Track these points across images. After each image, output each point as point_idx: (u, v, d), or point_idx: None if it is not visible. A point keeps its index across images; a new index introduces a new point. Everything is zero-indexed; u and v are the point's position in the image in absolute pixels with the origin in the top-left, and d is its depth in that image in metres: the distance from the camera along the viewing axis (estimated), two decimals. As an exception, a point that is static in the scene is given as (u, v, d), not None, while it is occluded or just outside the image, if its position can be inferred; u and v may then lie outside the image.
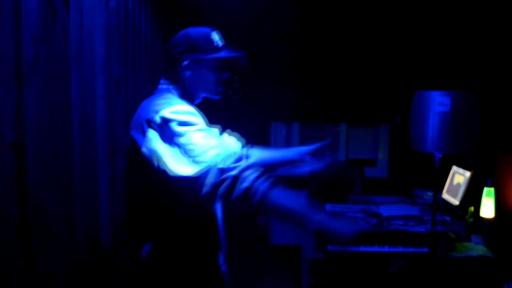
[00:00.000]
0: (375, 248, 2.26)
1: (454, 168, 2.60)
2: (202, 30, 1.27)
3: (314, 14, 3.42)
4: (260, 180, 1.08)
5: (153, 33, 2.15)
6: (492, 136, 2.59)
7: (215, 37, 1.27)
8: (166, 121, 1.10)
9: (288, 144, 3.84)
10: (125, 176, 1.45)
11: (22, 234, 0.94)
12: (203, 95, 1.32)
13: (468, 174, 2.39)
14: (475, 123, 1.87)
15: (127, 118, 1.55)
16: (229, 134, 1.52)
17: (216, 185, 1.05)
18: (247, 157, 1.47)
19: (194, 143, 1.08)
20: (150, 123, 1.12)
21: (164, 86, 1.27)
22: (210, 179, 1.05)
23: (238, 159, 1.09)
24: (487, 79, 2.75)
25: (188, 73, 1.25)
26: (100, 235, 1.40)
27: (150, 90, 1.78)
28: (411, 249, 2.25)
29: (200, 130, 1.11)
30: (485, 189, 2.34)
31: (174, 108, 1.13)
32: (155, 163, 1.11)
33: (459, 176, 2.49)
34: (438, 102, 1.86)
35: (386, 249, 2.25)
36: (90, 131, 1.30)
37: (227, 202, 1.08)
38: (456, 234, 2.32)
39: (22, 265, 0.94)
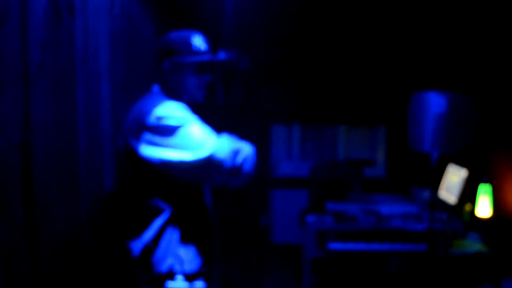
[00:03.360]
0: (375, 246, 2.29)
1: (451, 166, 2.63)
2: (183, 33, 1.28)
3: (312, 17, 3.45)
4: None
5: (156, 38, 2.17)
6: (488, 135, 2.62)
7: (196, 41, 1.27)
8: (159, 120, 1.13)
9: (288, 145, 3.87)
10: (117, 178, 1.46)
11: (28, 235, 0.95)
12: (187, 98, 1.32)
13: (464, 172, 2.42)
14: (470, 123, 1.90)
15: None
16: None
17: (232, 168, 1.14)
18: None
19: (191, 135, 1.13)
20: (144, 125, 1.15)
21: (155, 90, 1.30)
22: (223, 155, 1.13)
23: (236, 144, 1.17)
24: (483, 80, 2.79)
25: (169, 76, 1.27)
26: (106, 238, 1.41)
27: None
28: (410, 247, 2.28)
29: (193, 122, 1.16)
30: (481, 187, 2.37)
31: (165, 107, 1.16)
32: (157, 161, 1.14)
33: (456, 174, 2.52)
34: (434, 103, 1.90)
35: (385, 246, 2.28)
36: (95, 134, 1.31)
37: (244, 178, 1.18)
38: (454, 231, 2.35)
39: (28, 266, 0.95)
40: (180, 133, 1.13)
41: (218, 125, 1.68)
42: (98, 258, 1.35)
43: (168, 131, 1.13)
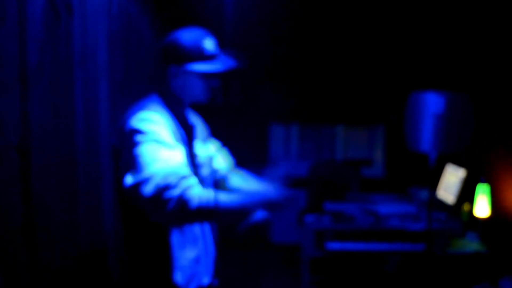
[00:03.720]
0: (373, 246, 2.29)
1: (449, 166, 2.64)
2: (193, 36, 1.18)
3: (310, 17, 3.45)
4: (204, 193, 1.05)
5: (155, 38, 2.17)
6: (486, 134, 2.63)
7: (207, 44, 1.19)
8: (129, 129, 1.09)
9: (286, 145, 3.87)
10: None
11: (26, 236, 0.95)
12: (192, 99, 1.26)
13: (462, 172, 2.43)
14: (468, 123, 1.91)
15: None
16: (221, 151, 1.48)
17: (152, 200, 1.00)
18: (226, 179, 1.44)
19: (142, 154, 1.04)
20: (121, 131, 1.12)
21: (156, 90, 1.24)
22: (147, 190, 1.00)
23: (182, 178, 1.03)
24: (481, 80, 2.80)
25: (175, 79, 1.19)
26: (103, 238, 1.41)
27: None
28: (408, 247, 2.28)
29: (154, 141, 1.06)
30: (479, 186, 2.38)
31: (138, 116, 1.10)
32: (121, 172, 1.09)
33: (454, 174, 2.53)
34: (432, 103, 1.90)
35: (384, 246, 2.28)
36: (93, 135, 1.31)
37: (179, 221, 1.08)
38: (452, 231, 2.36)
39: (26, 267, 0.95)
40: (135, 149, 1.06)
41: (217, 125, 1.68)
42: (96, 258, 1.34)
43: (130, 142, 1.07)
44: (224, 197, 1.08)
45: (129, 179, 1.03)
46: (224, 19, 3.25)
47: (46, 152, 1.04)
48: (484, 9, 2.71)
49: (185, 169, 1.07)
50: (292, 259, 3.27)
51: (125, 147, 1.08)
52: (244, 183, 1.47)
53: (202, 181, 1.24)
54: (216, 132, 1.55)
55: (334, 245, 2.31)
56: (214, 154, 1.44)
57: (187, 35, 1.19)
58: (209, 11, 3.05)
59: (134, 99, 1.28)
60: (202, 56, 1.17)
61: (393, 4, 3.29)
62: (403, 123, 2.07)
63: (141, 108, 1.14)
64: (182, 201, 1.01)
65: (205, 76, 1.20)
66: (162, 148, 1.05)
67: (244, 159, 1.64)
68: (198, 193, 1.04)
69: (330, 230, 2.35)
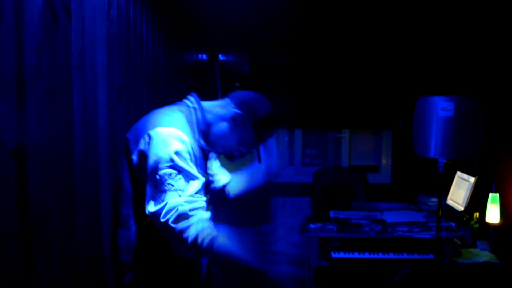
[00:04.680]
0: (380, 255, 2.24)
1: (459, 173, 2.58)
2: (265, 104, 1.35)
3: (315, 21, 3.44)
4: (204, 232, 1.09)
5: (154, 41, 2.17)
6: (496, 141, 2.57)
7: (269, 115, 1.33)
8: (155, 139, 1.11)
9: (290, 150, 3.83)
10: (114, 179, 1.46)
11: (22, 243, 0.93)
12: (219, 148, 1.29)
13: (472, 179, 2.37)
14: (478, 128, 1.86)
15: (129, 126, 1.55)
16: (221, 165, 1.52)
17: (165, 228, 1.07)
18: (227, 193, 1.51)
19: (163, 181, 1.08)
20: (144, 134, 1.13)
21: (190, 104, 1.25)
22: (162, 219, 1.07)
23: (195, 208, 1.09)
24: (490, 83, 2.75)
25: (230, 121, 1.25)
26: (101, 244, 1.39)
27: (152, 98, 1.77)
28: (416, 256, 2.23)
29: (175, 167, 1.09)
30: (490, 195, 2.32)
31: (163, 130, 1.11)
32: (139, 178, 1.15)
33: (464, 182, 2.47)
34: (441, 108, 1.86)
35: (390, 256, 2.23)
36: (91, 139, 1.30)
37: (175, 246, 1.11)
38: (462, 240, 2.30)
39: (23, 274, 0.93)
40: (152, 169, 1.10)
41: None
42: (94, 263, 1.32)
43: (147, 159, 1.11)
44: (222, 244, 1.11)
45: (151, 207, 1.09)
46: (225, 22, 3.24)
47: (43, 157, 1.02)
48: (492, 13, 2.67)
49: (200, 200, 1.12)
50: (296, 268, 3.21)
51: (145, 159, 1.11)
52: (243, 186, 1.53)
53: (211, 197, 1.31)
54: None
55: (339, 254, 2.26)
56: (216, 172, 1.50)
57: (261, 100, 1.35)
58: (210, 15, 3.04)
59: (133, 103, 1.27)
60: (265, 122, 1.30)
61: (400, 9, 3.26)
62: (411, 129, 2.03)
63: (171, 121, 1.14)
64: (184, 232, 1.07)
65: (249, 134, 1.27)
66: (183, 177, 1.09)
67: (247, 165, 1.62)
68: (196, 232, 1.08)
69: (335, 239, 2.31)
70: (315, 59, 3.56)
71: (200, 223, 1.08)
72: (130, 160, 1.18)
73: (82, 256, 1.23)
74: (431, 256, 2.20)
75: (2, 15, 0.87)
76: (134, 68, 1.74)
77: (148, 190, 1.10)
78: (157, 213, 1.07)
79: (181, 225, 1.06)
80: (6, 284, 0.87)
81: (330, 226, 2.39)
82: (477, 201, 2.37)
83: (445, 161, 1.89)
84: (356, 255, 2.24)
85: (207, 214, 1.12)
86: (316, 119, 3.64)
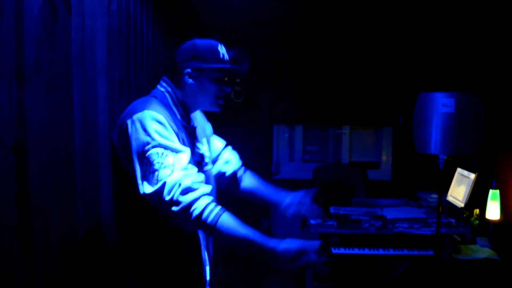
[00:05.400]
0: (380, 251, 2.24)
1: (459, 170, 2.58)
2: (209, 41, 1.28)
3: (316, 16, 3.42)
4: (211, 207, 1.09)
5: (155, 36, 2.16)
6: (496, 137, 2.57)
7: (222, 49, 1.28)
8: (133, 125, 1.12)
9: (290, 147, 3.83)
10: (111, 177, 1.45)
11: (22, 238, 0.93)
12: (202, 107, 1.31)
13: (473, 176, 2.37)
14: (479, 124, 1.85)
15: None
16: (230, 152, 1.53)
17: (172, 203, 1.07)
18: (240, 179, 1.51)
19: (152, 161, 1.08)
20: (123, 126, 1.14)
21: (162, 89, 1.27)
22: (166, 196, 1.07)
23: (198, 181, 1.10)
24: (490, 80, 2.74)
25: (189, 81, 1.24)
26: (101, 239, 1.39)
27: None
28: (416, 252, 2.23)
29: (161, 146, 1.10)
30: (491, 191, 2.31)
31: (145, 113, 1.12)
32: (126, 168, 1.14)
33: (464, 178, 2.47)
34: (441, 104, 1.85)
35: (390, 252, 2.23)
36: (91, 134, 1.29)
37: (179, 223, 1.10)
38: (462, 236, 2.30)
39: (23, 269, 0.93)
40: (141, 150, 1.10)
41: (220, 127, 1.65)
42: (93, 259, 1.32)
43: (134, 141, 1.11)
44: (227, 220, 1.10)
45: (146, 188, 1.09)
46: (227, 17, 3.22)
47: (43, 151, 1.02)
48: (493, 9, 2.66)
49: (194, 172, 1.12)
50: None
51: (129, 147, 1.12)
52: (256, 185, 1.54)
53: (208, 179, 1.28)
54: (219, 134, 1.55)
55: (339, 250, 2.26)
56: (220, 152, 1.49)
57: (203, 40, 1.28)
58: (211, 10, 3.03)
59: (133, 98, 1.26)
60: (217, 58, 1.25)
61: (400, 4, 3.24)
62: (411, 125, 2.02)
63: (145, 106, 1.15)
64: (194, 209, 1.07)
65: (218, 78, 1.25)
66: (169, 153, 1.10)
67: (247, 161, 1.62)
68: (205, 204, 1.09)
69: (335, 235, 2.31)
70: (316, 55, 3.54)
71: (204, 197, 1.09)
72: (116, 157, 1.19)
73: (82, 252, 1.23)
74: (431, 252, 2.20)
75: (2, 9, 0.87)
76: (134, 63, 1.73)
77: (139, 172, 1.10)
78: (156, 193, 1.07)
79: (188, 199, 1.07)
80: (6, 279, 0.87)
81: (330, 222, 2.39)
82: (477, 198, 2.37)
83: (445, 158, 1.89)
84: (356, 251, 2.24)
85: (209, 188, 1.13)
86: (317, 115, 3.63)
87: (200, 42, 1.26)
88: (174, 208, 1.06)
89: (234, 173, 1.51)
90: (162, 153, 1.09)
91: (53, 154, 1.07)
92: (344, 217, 2.39)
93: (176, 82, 1.26)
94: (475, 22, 2.92)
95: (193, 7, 2.96)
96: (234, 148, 1.57)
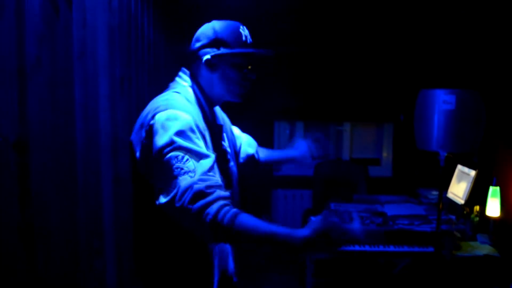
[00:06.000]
0: (380, 248, 2.24)
1: (459, 167, 2.58)
2: (230, 23, 1.14)
3: (317, 13, 3.40)
4: (225, 208, 0.97)
5: (156, 33, 2.15)
6: (497, 134, 2.57)
7: (245, 31, 1.14)
8: (154, 126, 1.02)
9: (292, 143, 3.83)
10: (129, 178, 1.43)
11: (24, 236, 0.93)
12: (223, 96, 1.18)
13: (473, 173, 2.37)
14: (479, 121, 1.85)
15: (130, 119, 1.54)
16: (243, 134, 1.53)
17: (183, 209, 0.95)
18: (257, 156, 1.51)
19: (171, 167, 0.97)
20: (144, 127, 1.05)
21: (183, 82, 1.14)
22: (177, 203, 0.95)
23: (212, 185, 0.98)
24: (491, 77, 2.73)
25: (208, 69, 1.11)
26: (103, 237, 1.39)
27: (154, 91, 1.77)
28: (416, 249, 2.23)
29: (180, 148, 0.98)
30: (491, 188, 2.32)
31: (167, 113, 1.02)
32: (144, 172, 1.06)
33: (464, 175, 2.47)
34: (442, 101, 1.85)
35: (391, 248, 2.24)
36: (93, 132, 1.29)
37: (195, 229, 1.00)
38: (462, 233, 2.30)
39: (24, 267, 0.93)
40: (161, 153, 0.99)
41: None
42: (95, 258, 1.32)
43: (154, 142, 1.00)
44: (246, 219, 0.97)
45: (162, 198, 0.98)
46: (227, 13, 3.20)
47: (45, 149, 1.02)
48: (493, 7, 2.64)
49: (213, 177, 1.00)
50: (296, 260, 3.23)
51: (150, 151, 1.02)
52: (269, 153, 1.55)
53: (231, 176, 1.20)
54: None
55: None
56: (240, 137, 1.48)
57: (223, 22, 1.14)
58: (212, 7, 3.01)
59: (134, 95, 1.26)
60: (240, 41, 1.10)
61: (401, 2, 3.22)
62: (412, 122, 2.02)
63: (169, 103, 1.05)
64: (203, 212, 0.96)
65: (240, 64, 1.12)
66: (191, 157, 0.99)
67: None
68: (219, 206, 0.97)
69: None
70: (317, 51, 3.53)
71: (219, 200, 0.97)
72: (135, 160, 1.09)
73: (84, 249, 1.23)
74: (431, 249, 2.20)
75: (3, 5, 0.86)
76: (136, 60, 1.72)
77: (157, 181, 1.00)
78: (171, 201, 0.95)
79: (199, 203, 0.94)
80: (8, 277, 0.87)
81: (331, 219, 2.40)
82: (477, 195, 2.37)
83: (446, 154, 1.89)
84: (356, 247, 2.24)
85: (226, 193, 1.00)
86: (318, 112, 3.63)
87: (219, 24, 1.12)
88: (187, 214, 0.95)
89: (257, 151, 1.51)
90: (183, 157, 0.97)
91: (54, 152, 1.06)
92: (344, 214, 2.40)
93: (196, 72, 1.13)
94: (476, 19, 2.91)
95: (194, 4, 2.95)
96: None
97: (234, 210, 0.98)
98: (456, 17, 3.10)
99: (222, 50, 1.10)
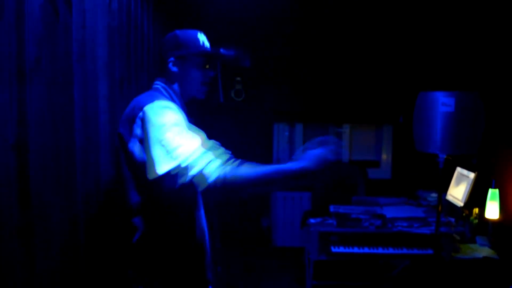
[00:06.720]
0: (379, 250, 2.24)
1: (458, 169, 2.58)
2: (189, 30, 1.32)
3: (316, 15, 3.42)
4: (227, 164, 1.13)
5: (155, 34, 2.16)
6: (496, 137, 2.57)
7: (201, 37, 1.32)
8: (146, 115, 1.14)
9: (291, 145, 3.83)
10: (116, 174, 1.44)
11: (23, 236, 0.93)
12: (190, 92, 1.34)
13: (472, 175, 2.37)
14: (479, 123, 1.86)
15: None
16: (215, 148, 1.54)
17: (188, 169, 1.10)
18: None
19: (167, 138, 1.11)
20: (135, 119, 1.16)
21: (157, 86, 1.31)
22: (182, 178, 1.10)
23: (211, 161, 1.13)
24: (490, 79, 2.74)
25: (174, 70, 1.28)
26: (103, 238, 1.39)
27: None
28: (415, 251, 2.23)
29: (175, 125, 1.13)
30: (490, 191, 2.32)
31: (155, 103, 1.15)
32: (140, 160, 1.16)
33: (464, 177, 2.47)
34: (441, 103, 1.85)
35: (390, 250, 2.24)
36: (92, 133, 1.29)
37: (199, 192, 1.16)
38: (461, 235, 2.30)
39: (23, 267, 0.93)
40: (157, 134, 1.12)
41: (221, 124, 1.65)
42: (95, 258, 1.32)
43: (149, 127, 1.13)
44: (246, 166, 1.13)
45: (164, 167, 1.10)
46: (226, 16, 3.22)
47: (44, 150, 1.02)
48: (492, 8, 2.65)
49: (208, 150, 1.14)
50: (295, 262, 3.23)
51: (146, 137, 1.14)
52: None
53: None
54: (220, 133, 1.55)
55: (339, 249, 2.27)
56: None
57: (183, 30, 1.33)
58: (211, 9, 3.02)
59: (134, 97, 1.26)
60: (197, 45, 1.29)
61: (400, 4, 3.24)
62: (411, 124, 2.02)
63: (153, 98, 1.19)
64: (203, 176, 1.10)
65: (200, 65, 1.29)
66: (186, 133, 1.13)
67: (247, 160, 1.62)
68: (220, 163, 1.12)
69: (335, 233, 2.31)
70: (317, 53, 3.54)
71: (220, 158, 1.13)
72: (127, 151, 1.19)
73: (84, 250, 1.23)
74: (430, 251, 2.20)
75: (3, 7, 0.87)
76: (135, 61, 1.73)
77: (157, 157, 1.11)
78: (175, 168, 1.09)
79: (203, 161, 1.10)
80: (7, 278, 0.87)
81: (330, 221, 2.40)
82: (476, 197, 2.37)
83: (445, 157, 1.89)
84: (356, 249, 2.24)
85: (227, 156, 1.16)
86: (317, 114, 3.64)
87: (180, 32, 1.31)
88: (192, 173, 1.09)
89: None
90: (180, 132, 1.12)
91: (54, 153, 1.06)
92: (344, 216, 2.40)
93: (165, 74, 1.29)
94: (475, 21, 2.92)
95: (193, 6, 2.96)
96: (235, 145, 1.55)
97: (236, 162, 1.14)
98: (454, 19, 3.11)
99: (182, 52, 1.28)
